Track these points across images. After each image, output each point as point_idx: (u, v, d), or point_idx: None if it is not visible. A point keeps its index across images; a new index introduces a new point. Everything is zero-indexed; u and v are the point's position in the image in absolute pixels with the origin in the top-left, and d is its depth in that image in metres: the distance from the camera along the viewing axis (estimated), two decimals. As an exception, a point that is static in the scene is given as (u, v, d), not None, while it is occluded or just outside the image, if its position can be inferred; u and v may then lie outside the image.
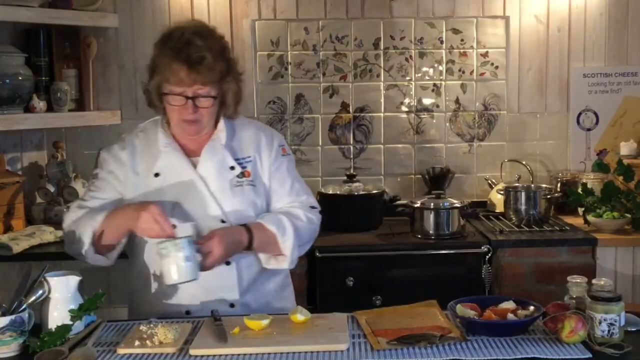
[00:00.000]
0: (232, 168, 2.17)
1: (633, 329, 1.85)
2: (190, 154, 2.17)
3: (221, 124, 2.19)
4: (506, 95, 3.75)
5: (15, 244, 2.95)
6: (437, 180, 3.64)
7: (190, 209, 2.10)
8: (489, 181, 3.68)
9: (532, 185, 3.46)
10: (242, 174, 2.17)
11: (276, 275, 2.25)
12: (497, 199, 3.56)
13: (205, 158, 2.16)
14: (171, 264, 1.93)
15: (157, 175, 2.13)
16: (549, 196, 3.35)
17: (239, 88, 2.16)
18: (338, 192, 3.38)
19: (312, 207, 2.27)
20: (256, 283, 2.19)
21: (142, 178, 2.15)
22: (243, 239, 2.07)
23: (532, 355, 1.69)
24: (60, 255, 3.01)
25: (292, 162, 2.31)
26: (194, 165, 2.15)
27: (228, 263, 2.10)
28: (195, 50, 2.02)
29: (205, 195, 2.12)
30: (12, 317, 1.77)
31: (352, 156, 3.75)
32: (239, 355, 1.73)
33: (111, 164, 2.19)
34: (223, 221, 2.11)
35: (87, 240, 2.06)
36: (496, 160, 3.74)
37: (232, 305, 2.13)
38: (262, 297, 2.19)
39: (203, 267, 1.98)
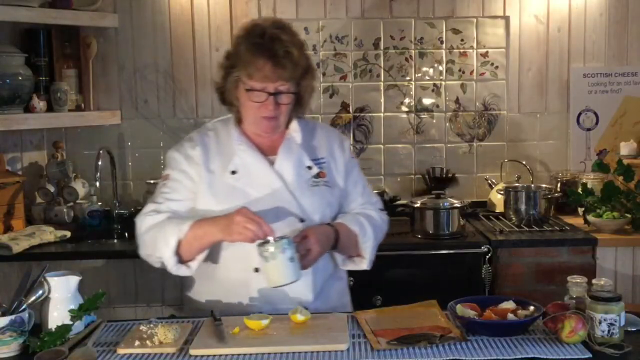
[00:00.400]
0: (309, 168, 2.16)
1: (633, 329, 1.85)
2: (264, 153, 2.15)
3: (295, 123, 2.18)
4: (506, 95, 3.75)
5: (15, 244, 2.95)
6: (437, 180, 3.65)
7: (269, 207, 2.06)
8: (489, 181, 3.68)
9: (532, 185, 3.46)
10: (318, 175, 2.17)
11: (339, 281, 2.25)
12: (497, 199, 3.56)
13: (282, 157, 2.14)
14: (276, 266, 1.90)
15: (233, 172, 2.11)
16: (549, 196, 3.35)
17: (315, 88, 2.17)
18: (338, 192, 3.37)
19: (381, 210, 2.29)
20: (326, 287, 2.17)
21: (217, 176, 2.12)
22: (332, 238, 2.07)
23: (532, 355, 1.68)
24: (60, 255, 3.03)
25: (358, 165, 2.33)
26: (270, 164, 2.13)
27: None
28: (282, 45, 2.01)
29: (285, 193, 2.10)
30: (12, 317, 1.77)
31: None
32: (239, 355, 1.73)
33: (183, 163, 2.15)
34: (302, 220, 2.09)
35: (170, 249, 2.02)
36: (496, 160, 3.74)
37: (305, 308, 2.07)
38: (328, 303, 2.15)
39: (302, 266, 1.96)
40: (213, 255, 2.11)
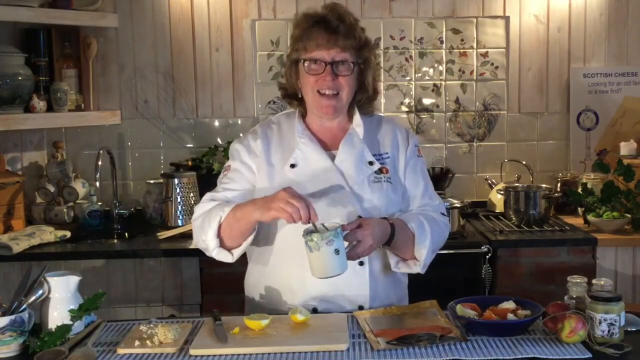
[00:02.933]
0: (371, 163, 2.11)
1: (633, 329, 1.85)
2: (326, 148, 2.12)
3: (357, 117, 2.14)
4: (506, 95, 3.75)
5: (15, 244, 2.95)
6: (437, 180, 3.64)
7: (327, 202, 2.03)
8: (489, 181, 3.68)
9: (532, 185, 3.46)
10: (380, 171, 2.12)
11: (399, 286, 2.20)
12: (497, 199, 3.56)
13: (343, 151, 2.10)
14: (319, 257, 1.85)
15: (293, 166, 2.08)
16: (549, 196, 3.35)
17: (376, 69, 2.14)
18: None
19: (443, 214, 2.21)
20: (385, 290, 2.13)
21: (277, 169, 2.10)
22: (387, 232, 2.00)
23: (532, 355, 1.68)
24: (60, 255, 3.04)
25: (424, 165, 2.26)
26: (332, 158, 2.10)
27: (361, 263, 2.04)
28: (335, 15, 2.02)
29: (344, 189, 2.06)
30: (12, 317, 1.77)
31: (352, 156, 3.74)
32: (239, 355, 1.73)
33: (244, 155, 2.14)
34: (360, 217, 2.03)
35: (212, 232, 2.01)
36: (496, 160, 3.74)
37: (361, 308, 2.06)
38: (387, 306, 2.09)
39: (351, 256, 1.91)
40: (269, 251, 2.09)
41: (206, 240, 2.04)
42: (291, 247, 2.03)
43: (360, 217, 2.04)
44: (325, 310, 2.05)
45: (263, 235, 2.08)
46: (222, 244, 2.05)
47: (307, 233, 1.87)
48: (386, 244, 2.03)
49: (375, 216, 2.06)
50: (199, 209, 2.11)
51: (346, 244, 1.91)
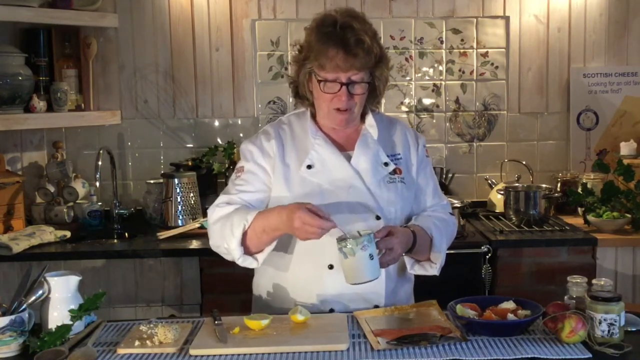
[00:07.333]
0: (386, 164, 2.11)
1: (633, 329, 1.85)
2: (340, 148, 2.11)
3: (371, 118, 2.14)
4: (506, 95, 3.75)
5: (15, 244, 2.95)
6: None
7: (345, 203, 2.03)
8: (489, 181, 3.68)
9: (532, 185, 3.46)
10: (394, 171, 2.12)
11: (407, 283, 2.21)
12: (497, 199, 3.56)
13: (359, 152, 2.10)
14: (354, 263, 1.85)
15: (309, 167, 2.07)
16: (549, 196, 3.35)
17: (388, 77, 2.13)
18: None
19: (450, 214, 2.23)
20: (396, 289, 2.14)
21: (292, 170, 2.08)
22: (411, 240, 2.02)
23: (532, 355, 1.68)
24: (60, 255, 3.04)
25: (431, 165, 2.28)
26: (347, 159, 2.09)
27: None
28: (353, 33, 1.98)
29: (362, 190, 2.06)
30: (12, 317, 1.77)
31: (352, 156, 3.74)
32: (239, 355, 1.73)
33: (258, 156, 2.11)
34: (378, 217, 2.05)
35: (236, 240, 1.98)
36: (496, 160, 3.74)
37: (376, 307, 2.07)
38: (398, 304, 2.10)
39: (380, 264, 1.91)
40: (286, 250, 2.08)
41: (229, 248, 2.01)
42: (311, 250, 2.02)
43: (378, 217, 2.05)
44: (342, 311, 2.04)
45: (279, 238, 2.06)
46: (246, 251, 2.03)
47: (340, 239, 1.87)
48: (408, 251, 2.04)
49: (391, 217, 2.07)
50: (217, 213, 2.08)
51: (377, 251, 1.90)
